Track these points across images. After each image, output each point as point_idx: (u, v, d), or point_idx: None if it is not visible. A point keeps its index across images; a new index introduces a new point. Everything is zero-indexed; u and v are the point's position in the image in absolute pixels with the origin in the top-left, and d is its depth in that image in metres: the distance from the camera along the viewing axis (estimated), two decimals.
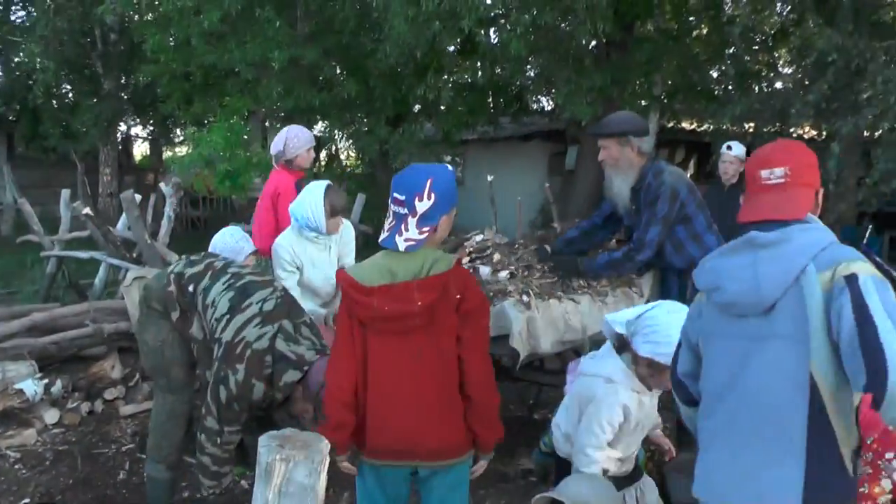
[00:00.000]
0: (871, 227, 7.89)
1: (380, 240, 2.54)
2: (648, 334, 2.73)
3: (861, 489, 2.78)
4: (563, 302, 3.79)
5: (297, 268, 4.11)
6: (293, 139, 4.88)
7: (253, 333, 3.14)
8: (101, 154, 13.94)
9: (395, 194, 2.50)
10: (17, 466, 4.46)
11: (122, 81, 13.64)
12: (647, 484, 3.13)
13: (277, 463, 2.11)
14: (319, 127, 13.02)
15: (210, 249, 4.13)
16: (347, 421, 2.58)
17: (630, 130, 3.90)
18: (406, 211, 2.47)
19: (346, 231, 4.33)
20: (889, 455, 2.80)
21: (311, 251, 4.14)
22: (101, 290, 7.33)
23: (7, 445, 4.65)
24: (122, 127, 15.16)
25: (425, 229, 2.49)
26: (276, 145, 4.98)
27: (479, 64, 10.25)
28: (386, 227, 2.54)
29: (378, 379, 2.53)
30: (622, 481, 2.96)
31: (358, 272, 2.56)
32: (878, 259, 7.72)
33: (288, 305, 3.31)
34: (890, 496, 2.79)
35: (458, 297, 2.46)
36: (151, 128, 16.40)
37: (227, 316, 3.23)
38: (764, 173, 2.16)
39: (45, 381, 5.08)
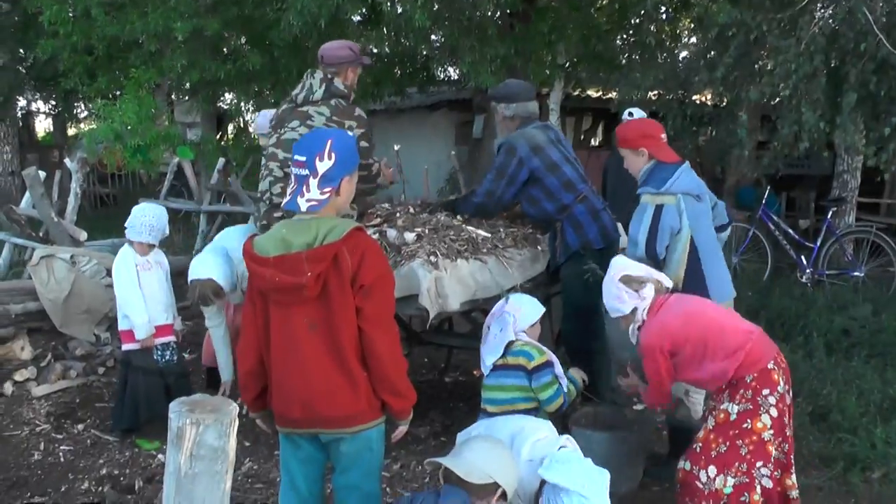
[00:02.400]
0: (769, 187, 8.28)
1: (282, 204, 2.59)
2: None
3: (745, 425, 3.00)
4: (471, 262, 3.91)
5: None
6: (253, 124, 5.02)
7: None
8: (0, 130, 13.35)
9: (297, 157, 2.55)
10: None
11: (20, 54, 13.00)
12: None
13: (188, 427, 2.16)
14: (227, 99, 12.80)
15: (128, 226, 4.39)
16: (250, 385, 2.71)
17: (494, 96, 4.43)
18: (307, 172, 2.51)
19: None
20: (765, 392, 3.02)
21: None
22: (5, 270, 7.11)
23: None
24: (22, 102, 14.50)
25: (327, 190, 2.53)
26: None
27: (384, 34, 10.20)
28: (288, 191, 2.58)
29: (277, 348, 2.59)
30: None
31: (259, 242, 2.60)
32: (774, 218, 8.16)
33: None
34: (771, 431, 3.01)
35: (355, 267, 2.48)
36: (53, 103, 15.73)
37: None
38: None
39: None
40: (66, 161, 7.38)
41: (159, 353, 4.45)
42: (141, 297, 4.36)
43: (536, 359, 3.36)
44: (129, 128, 9.58)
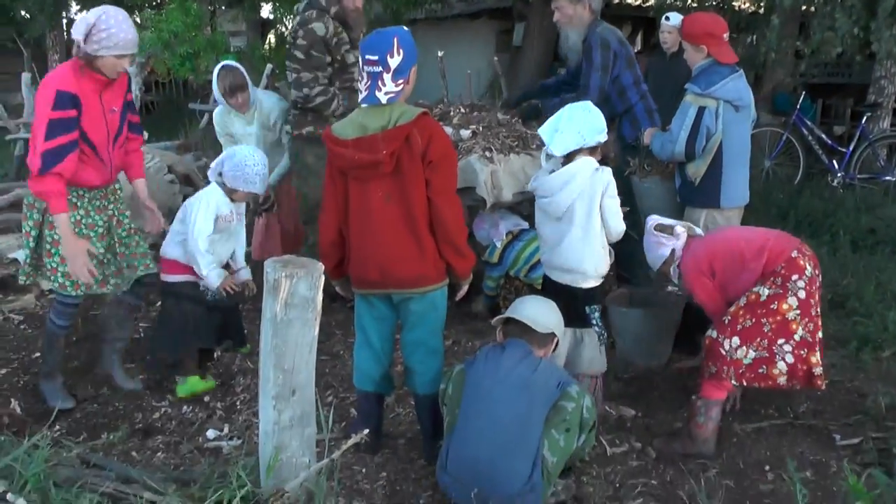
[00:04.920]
0: (804, 93, 8.38)
1: (359, 99, 2.92)
2: (598, 125, 3.40)
3: (772, 305, 3.29)
4: (521, 156, 4.25)
5: (229, 134, 4.80)
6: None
7: None
8: (48, 40, 13.67)
9: (367, 56, 2.85)
10: (21, 327, 4.87)
11: None
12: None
13: (283, 280, 2.51)
14: (268, 9, 12.93)
15: (230, 173, 3.82)
16: (332, 254, 3.09)
17: None
18: (380, 69, 2.83)
19: (267, 101, 4.77)
20: (794, 277, 3.31)
21: (237, 126, 4.75)
22: None
23: (10, 309, 5.05)
24: (72, 10, 14.75)
25: (400, 81, 2.87)
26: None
27: None
28: (362, 87, 2.90)
29: (355, 219, 2.98)
30: None
31: (337, 128, 2.96)
32: (808, 123, 8.29)
33: None
34: (798, 311, 3.30)
35: (424, 145, 2.83)
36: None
37: None
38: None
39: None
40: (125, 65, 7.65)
41: (203, 287, 3.93)
42: (211, 252, 3.85)
43: None
44: (175, 36, 9.84)
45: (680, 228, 3.60)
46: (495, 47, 14.61)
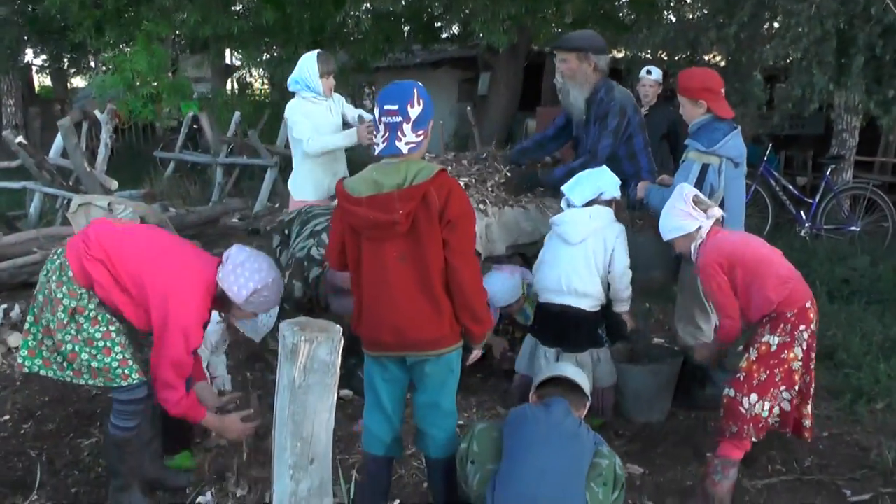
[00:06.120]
0: (770, 146, 8.59)
1: (377, 152, 2.85)
2: (616, 183, 3.94)
3: (782, 355, 3.32)
4: (515, 208, 4.22)
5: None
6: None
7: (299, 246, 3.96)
8: (4, 84, 13.39)
9: (386, 106, 2.78)
10: None
11: (31, 9, 12.99)
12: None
13: (303, 344, 2.41)
14: (231, 54, 12.89)
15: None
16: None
17: (589, 47, 4.32)
18: (400, 119, 2.76)
19: (338, 99, 5.03)
20: (802, 327, 3.34)
21: (316, 114, 4.81)
22: (36, 219, 7.31)
23: None
24: (27, 56, 14.48)
25: (420, 132, 2.81)
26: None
27: None
28: (379, 139, 2.83)
29: (369, 279, 2.87)
30: None
31: (350, 184, 2.87)
32: (775, 174, 8.49)
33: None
34: (800, 362, 3.35)
35: (442, 204, 2.74)
36: (56, 57, 15.74)
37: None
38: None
39: (4, 306, 5.20)
40: (97, 113, 7.53)
41: None
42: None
43: None
44: (139, 77, 9.73)
45: (718, 210, 3.57)
46: (458, 96, 14.80)
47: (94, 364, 3.02)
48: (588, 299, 3.84)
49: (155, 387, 3.08)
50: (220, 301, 3.18)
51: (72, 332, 3.01)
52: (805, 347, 3.34)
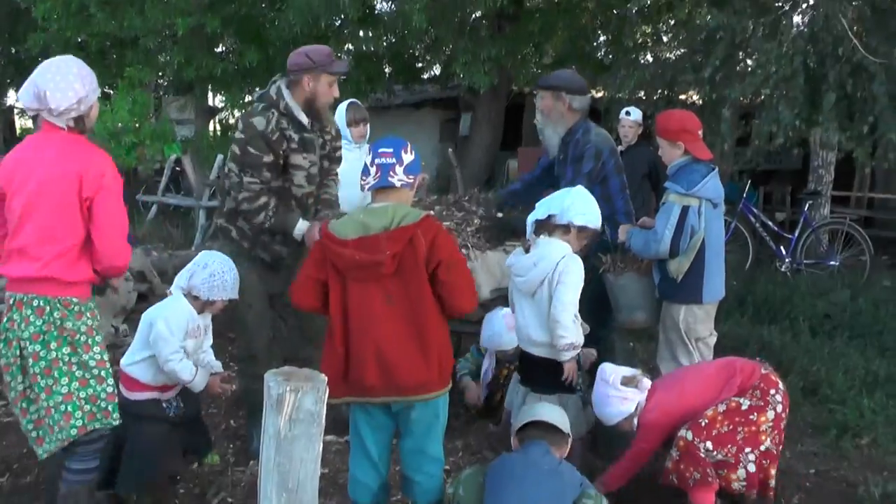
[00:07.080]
0: (749, 182, 8.72)
1: (367, 187, 2.91)
2: (580, 208, 3.48)
3: (751, 416, 3.32)
4: (497, 251, 4.24)
5: None
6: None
7: None
8: None
9: (381, 150, 2.90)
10: None
11: (13, 51, 13.02)
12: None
13: (288, 394, 2.41)
14: (218, 98, 12.95)
15: (201, 283, 3.54)
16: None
17: (564, 87, 4.30)
18: (394, 160, 2.88)
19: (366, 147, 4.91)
20: (772, 391, 3.36)
21: (349, 159, 4.63)
22: None
23: None
24: (8, 99, 14.44)
25: (411, 176, 2.91)
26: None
27: (380, 33, 10.48)
28: (370, 178, 2.89)
29: (355, 322, 2.88)
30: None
31: (336, 226, 2.90)
32: (755, 210, 8.60)
33: None
34: (771, 424, 3.33)
35: (427, 248, 2.79)
36: None
37: None
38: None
39: None
40: None
41: (166, 404, 3.66)
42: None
43: None
44: (120, 126, 9.76)
45: (647, 381, 3.49)
46: (440, 136, 14.93)
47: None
48: (543, 348, 3.49)
49: (109, 266, 3.02)
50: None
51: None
52: (780, 410, 3.35)
